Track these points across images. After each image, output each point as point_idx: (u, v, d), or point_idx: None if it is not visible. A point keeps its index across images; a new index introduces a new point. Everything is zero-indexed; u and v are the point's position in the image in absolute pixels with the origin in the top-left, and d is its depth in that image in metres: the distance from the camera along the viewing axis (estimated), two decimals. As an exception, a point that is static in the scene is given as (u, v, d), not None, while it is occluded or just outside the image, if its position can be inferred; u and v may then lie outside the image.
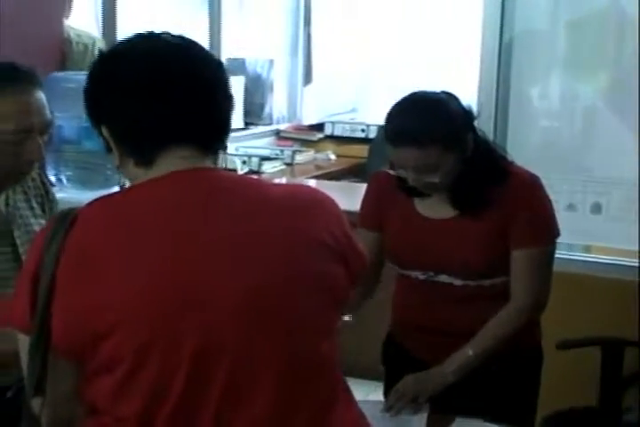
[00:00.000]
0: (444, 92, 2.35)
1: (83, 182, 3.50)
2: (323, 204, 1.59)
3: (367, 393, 3.25)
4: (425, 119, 2.25)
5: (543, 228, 2.39)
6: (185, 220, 1.46)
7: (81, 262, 1.44)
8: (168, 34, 1.55)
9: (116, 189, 3.55)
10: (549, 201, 2.41)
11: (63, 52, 3.60)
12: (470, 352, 2.32)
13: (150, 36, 1.55)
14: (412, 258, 2.32)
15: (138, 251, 1.44)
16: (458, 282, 2.36)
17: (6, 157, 2.10)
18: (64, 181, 3.51)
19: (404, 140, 2.26)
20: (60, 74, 3.43)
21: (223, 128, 1.54)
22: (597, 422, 2.97)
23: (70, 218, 1.46)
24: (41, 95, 2.13)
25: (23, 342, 1.50)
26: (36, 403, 1.55)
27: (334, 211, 1.60)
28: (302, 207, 1.55)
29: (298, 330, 1.49)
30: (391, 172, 2.38)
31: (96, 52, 3.80)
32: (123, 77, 1.50)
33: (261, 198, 1.52)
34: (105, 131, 1.51)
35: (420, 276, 2.34)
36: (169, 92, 1.47)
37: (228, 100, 1.54)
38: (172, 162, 1.49)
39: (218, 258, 1.45)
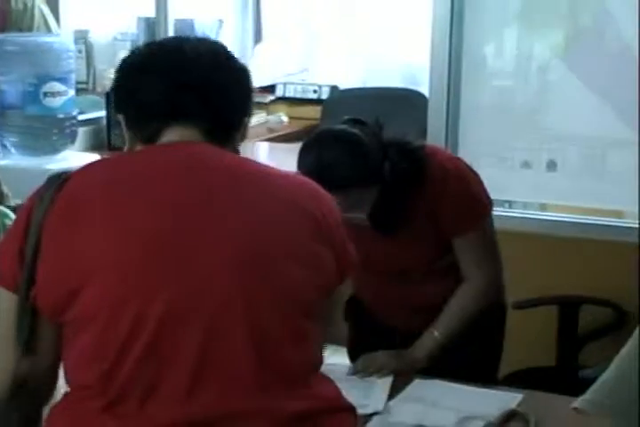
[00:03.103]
0: (352, 120, 2.25)
1: (29, 148, 3.44)
2: (319, 191, 1.61)
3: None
4: (340, 167, 2.12)
5: (472, 209, 2.34)
6: (170, 183, 1.51)
7: (67, 213, 1.49)
8: (204, 38, 1.66)
9: (62, 154, 3.52)
10: (473, 177, 2.35)
11: (2, 11, 3.56)
12: (437, 335, 2.32)
13: (181, 37, 1.65)
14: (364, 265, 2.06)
15: (120, 207, 1.48)
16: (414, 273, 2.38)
17: None
18: (9, 147, 3.45)
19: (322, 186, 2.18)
20: (1, 36, 3.37)
21: (226, 115, 1.59)
22: (556, 379, 2.98)
23: (64, 177, 1.52)
24: None
25: (8, 300, 1.50)
26: (24, 363, 1.54)
27: (330, 202, 1.60)
28: (298, 186, 1.59)
29: (276, 296, 1.48)
30: None
31: (35, 11, 3.80)
32: (136, 65, 1.60)
33: (247, 171, 1.56)
34: (121, 117, 1.60)
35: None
36: (174, 75, 1.55)
37: (237, 91, 1.60)
38: (171, 139, 1.56)
39: (200, 217, 1.48)
